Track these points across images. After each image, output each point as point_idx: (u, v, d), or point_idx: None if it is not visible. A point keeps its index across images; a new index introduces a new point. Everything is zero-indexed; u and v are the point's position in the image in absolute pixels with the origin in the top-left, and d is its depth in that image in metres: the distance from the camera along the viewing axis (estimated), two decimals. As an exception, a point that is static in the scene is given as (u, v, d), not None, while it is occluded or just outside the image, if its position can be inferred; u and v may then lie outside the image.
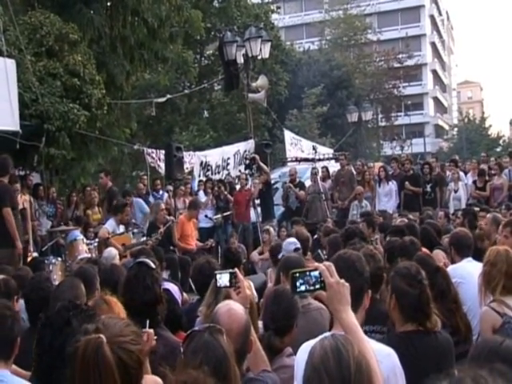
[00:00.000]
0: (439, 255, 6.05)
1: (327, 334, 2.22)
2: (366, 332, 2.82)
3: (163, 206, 10.87)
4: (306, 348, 2.78)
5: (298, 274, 2.49)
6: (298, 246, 7.14)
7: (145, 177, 14.10)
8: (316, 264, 2.57)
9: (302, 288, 2.50)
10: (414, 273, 3.48)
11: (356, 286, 2.83)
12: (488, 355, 1.84)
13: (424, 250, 6.09)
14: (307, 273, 2.49)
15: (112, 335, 2.03)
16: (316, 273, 2.48)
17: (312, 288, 2.50)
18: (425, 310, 3.38)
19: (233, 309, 2.90)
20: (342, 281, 2.47)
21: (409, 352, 3.02)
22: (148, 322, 3.16)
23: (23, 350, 3.23)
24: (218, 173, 15.75)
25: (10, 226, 8.33)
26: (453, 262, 5.77)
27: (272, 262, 7.56)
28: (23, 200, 10.15)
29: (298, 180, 14.41)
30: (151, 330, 3.08)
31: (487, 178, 13.69)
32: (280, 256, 7.40)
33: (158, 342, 3.29)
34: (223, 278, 3.27)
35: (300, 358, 2.83)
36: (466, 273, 4.97)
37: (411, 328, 3.38)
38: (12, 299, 4.50)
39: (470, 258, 5.51)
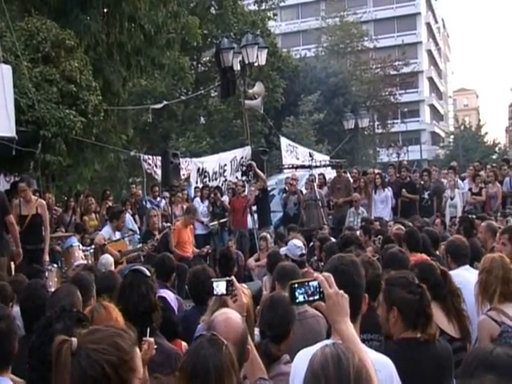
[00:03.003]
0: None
1: (328, 341, 2.20)
2: (363, 341, 2.79)
3: (154, 212, 10.81)
4: (302, 355, 2.77)
5: (296, 285, 2.47)
6: (304, 251, 7.13)
7: (133, 185, 14.10)
8: (315, 274, 2.55)
9: (301, 298, 2.47)
10: (411, 279, 3.51)
11: (356, 297, 2.80)
12: (478, 363, 1.83)
13: (422, 255, 6.10)
14: (306, 283, 2.47)
15: (84, 341, 1.97)
16: (315, 283, 2.45)
17: (311, 299, 2.47)
18: (427, 312, 3.38)
19: (230, 318, 2.88)
20: (341, 292, 2.45)
21: (406, 360, 3.00)
22: (149, 330, 3.13)
23: (18, 358, 3.20)
24: (216, 179, 15.77)
25: (15, 232, 8.43)
26: (449, 269, 5.76)
27: (268, 269, 7.20)
28: (38, 204, 9.30)
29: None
30: (152, 339, 3.06)
31: (483, 185, 13.62)
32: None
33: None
34: (220, 286, 3.24)
35: (296, 365, 2.81)
36: (465, 280, 4.96)
37: (410, 335, 3.36)
38: (7, 305, 4.48)
39: (467, 266, 5.49)
